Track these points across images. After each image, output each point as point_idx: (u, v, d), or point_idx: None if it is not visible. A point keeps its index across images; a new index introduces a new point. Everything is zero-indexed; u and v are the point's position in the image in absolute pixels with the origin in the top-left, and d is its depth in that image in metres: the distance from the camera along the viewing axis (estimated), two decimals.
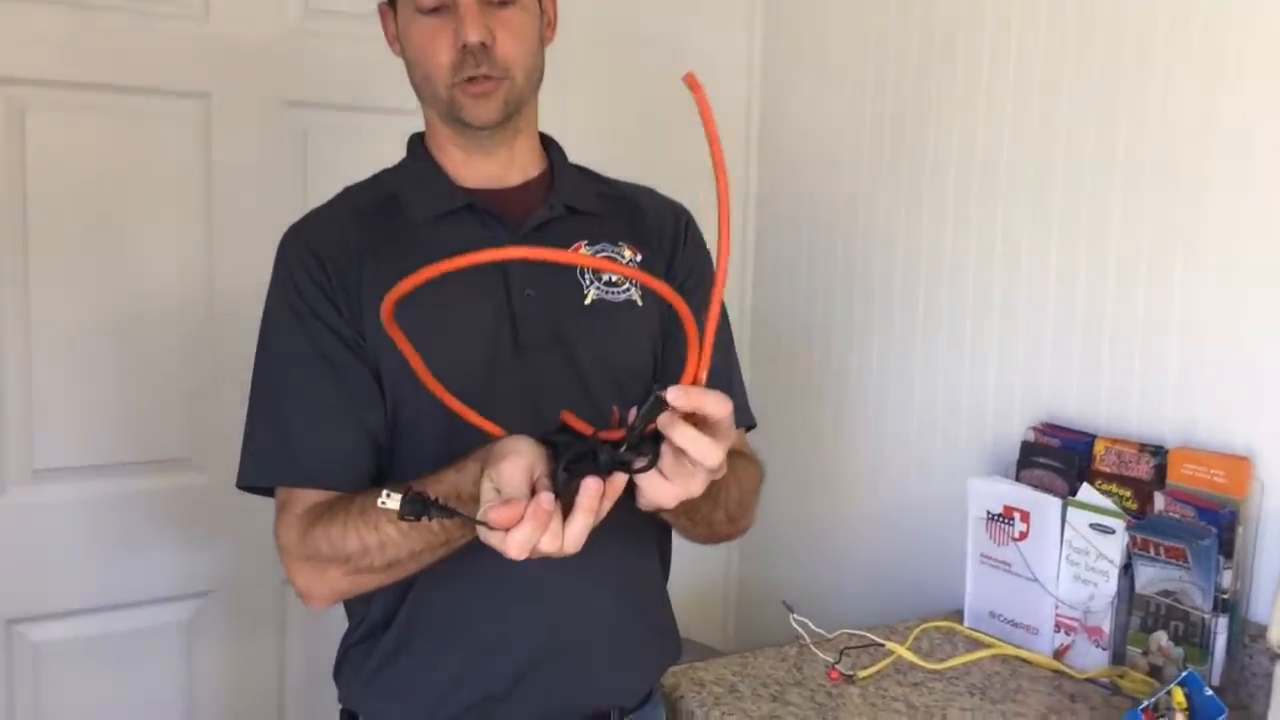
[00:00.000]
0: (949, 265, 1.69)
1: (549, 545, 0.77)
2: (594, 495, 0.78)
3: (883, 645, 1.35)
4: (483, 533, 0.78)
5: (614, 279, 1.08)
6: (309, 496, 1.00)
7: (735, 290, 2.03)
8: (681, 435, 0.78)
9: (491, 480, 0.80)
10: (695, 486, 0.81)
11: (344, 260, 1.04)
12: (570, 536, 0.78)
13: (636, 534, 1.09)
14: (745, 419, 1.18)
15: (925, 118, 1.72)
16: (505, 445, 0.82)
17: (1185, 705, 1.11)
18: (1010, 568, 1.43)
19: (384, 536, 0.91)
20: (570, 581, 1.03)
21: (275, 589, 1.72)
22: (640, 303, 1.10)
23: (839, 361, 1.88)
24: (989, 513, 1.45)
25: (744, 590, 2.08)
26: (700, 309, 1.16)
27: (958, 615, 1.52)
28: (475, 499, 0.82)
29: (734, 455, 1.06)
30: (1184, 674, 1.14)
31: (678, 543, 1.16)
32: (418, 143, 1.13)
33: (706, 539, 1.09)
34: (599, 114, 1.87)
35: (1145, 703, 1.11)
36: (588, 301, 1.07)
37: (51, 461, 1.57)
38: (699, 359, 0.80)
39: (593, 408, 1.04)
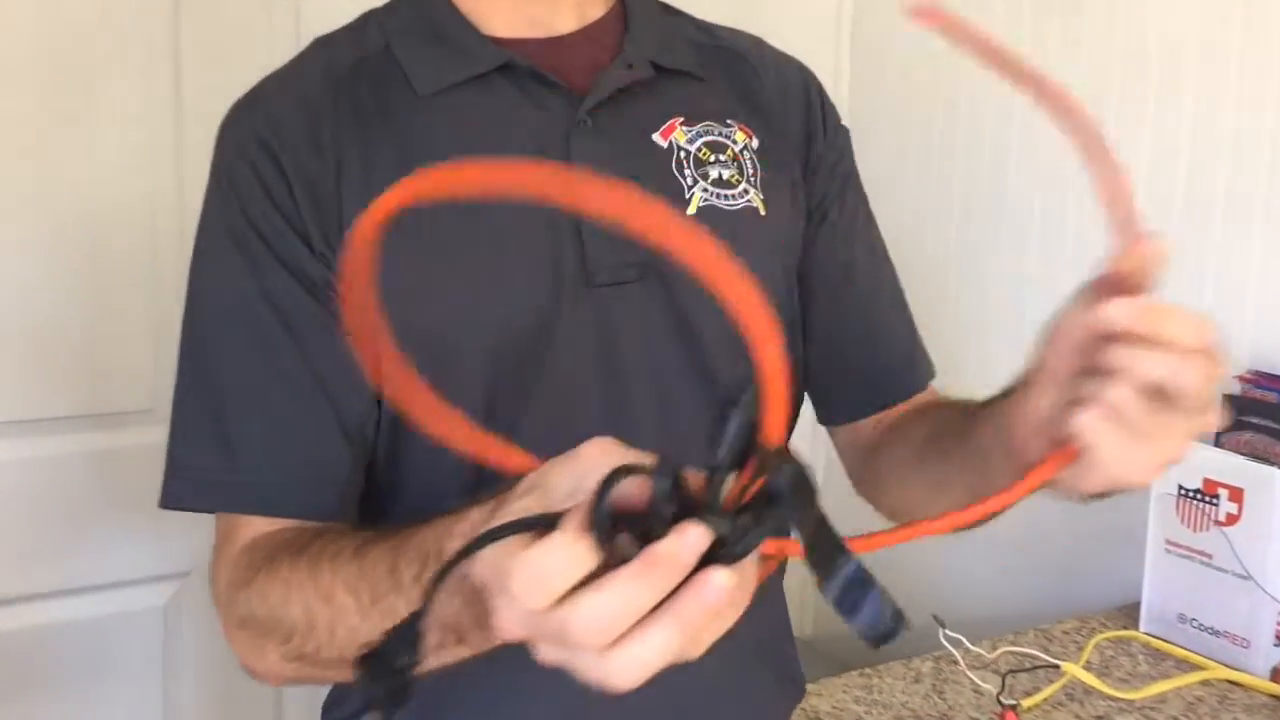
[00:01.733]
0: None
1: (658, 644, 0.40)
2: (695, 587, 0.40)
3: (1057, 667, 1.02)
4: (502, 607, 0.41)
5: (725, 174, 0.73)
6: (257, 525, 0.67)
7: None
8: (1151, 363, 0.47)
9: (533, 493, 0.45)
10: (1177, 446, 0.50)
11: (314, 158, 0.68)
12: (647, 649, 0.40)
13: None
14: (929, 365, 0.85)
15: None
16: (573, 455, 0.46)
17: None
18: (1211, 560, 1.10)
19: (336, 611, 0.58)
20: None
21: None
22: (764, 210, 0.75)
23: (955, 290, 1.54)
24: (1181, 488, 1.12)
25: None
26: (854, 221, 0.84)
27: (1125, 615, 1.20)
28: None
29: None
30: None
31: None
32: None
33: None
34: None
35: None
36: (692, 209, 0.72)
37: None
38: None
39: (700, 376, 0.71)
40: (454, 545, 0.48)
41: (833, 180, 0.80)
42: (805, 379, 0.81)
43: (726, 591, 0.39)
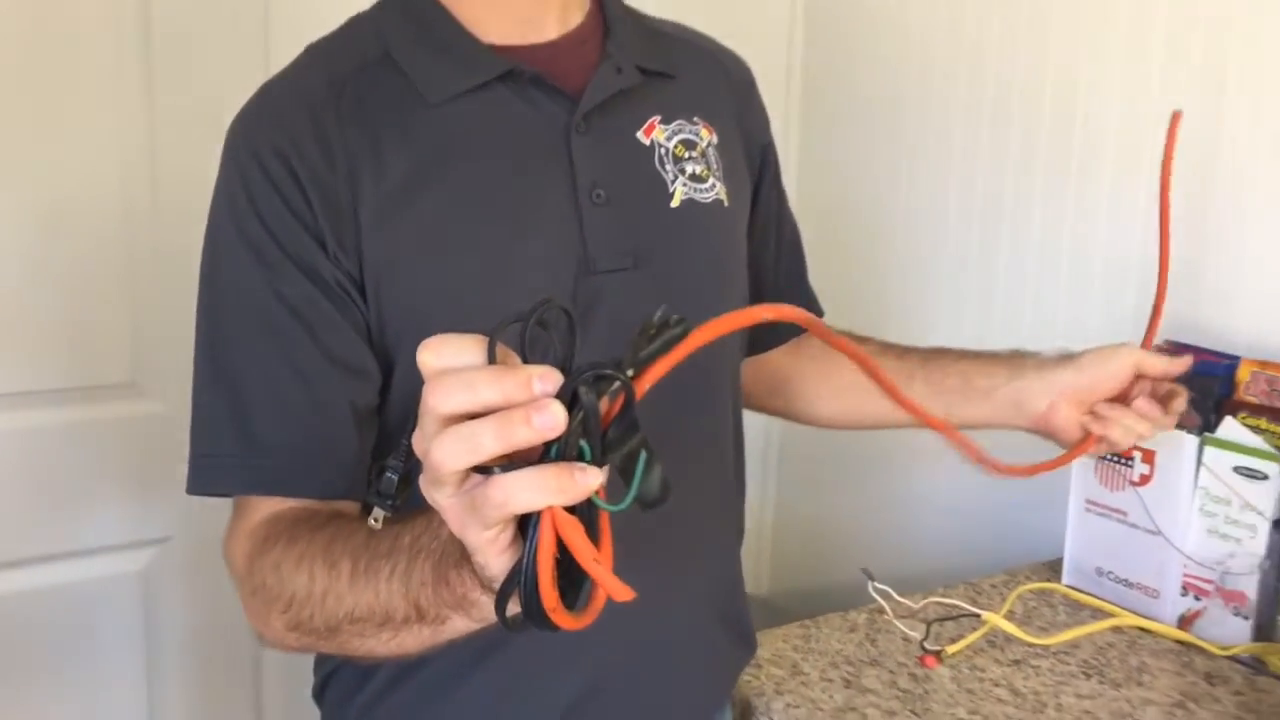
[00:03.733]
0: (1047, 138, 1.41)
1: (477, 437, 0.45)
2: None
3: (979, 616, 1.11)
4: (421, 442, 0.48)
5: (698, 170, 0.81)
6: (270, 503, 0.74)
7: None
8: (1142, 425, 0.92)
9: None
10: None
11: (326, 165, 0.73)
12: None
13: (725, 511, 0.86)
14: (819, 310, 1.06)
15: None
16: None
17: None
18: (1126, 517, 1.18)
19: (333, 579, 0.65)
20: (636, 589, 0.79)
21: None
22: (727, 201, 0.83)
23: (899, 256, 1.61)
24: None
25: (781, 523, 1.84)
26: (772, 194, 0.92)
27: (1050, 569, 1.28)
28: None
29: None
30: None
31: None
32: None
33: None
34: None
35: None
36: (676, 203, 0.80)
37: None
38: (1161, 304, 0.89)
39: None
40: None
41: (765, 164, 0.89)
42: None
43: (551, 419, 0.44)
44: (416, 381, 0.75)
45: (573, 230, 0.76)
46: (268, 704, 1.54)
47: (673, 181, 0.80)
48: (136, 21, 1.34)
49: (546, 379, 0.45)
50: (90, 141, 1.34)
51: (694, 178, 0.81)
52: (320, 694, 0.88)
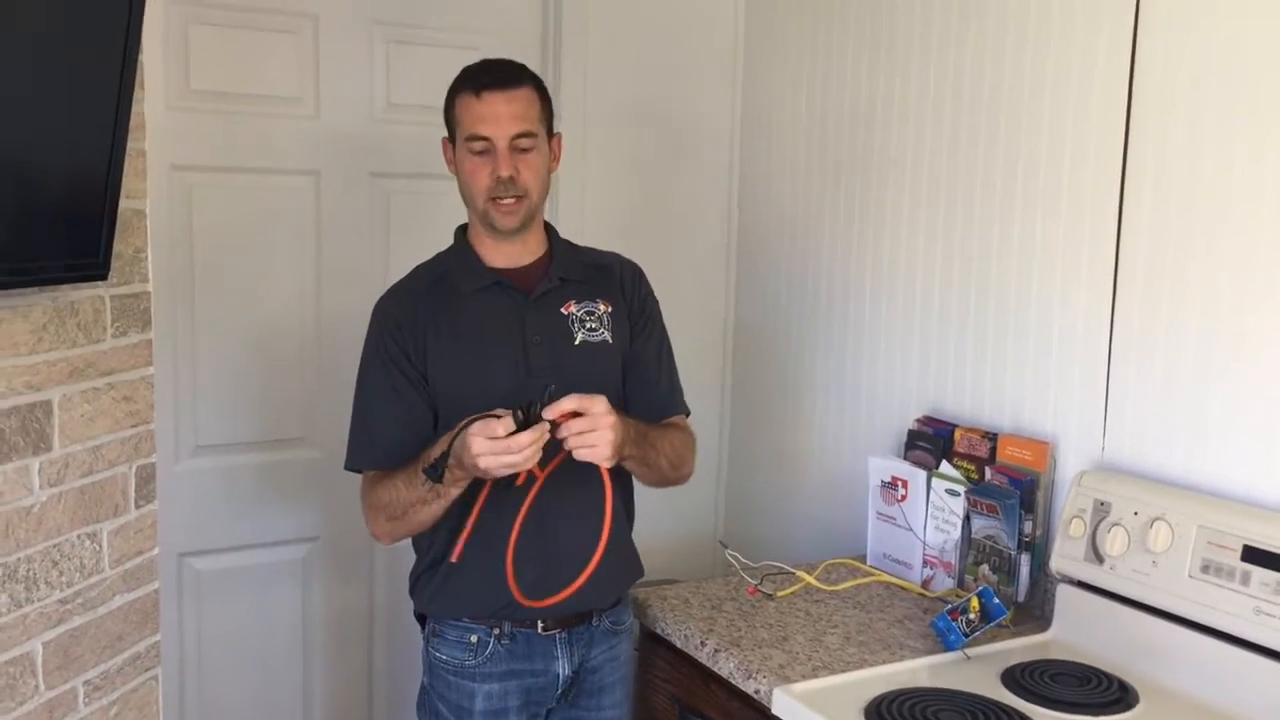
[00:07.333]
0: (869, 295, 2.21)
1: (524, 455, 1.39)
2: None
3: (793, 573, 1.90)
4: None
5: (593, 326, 1.64)
6: (376, 469, 1.60)
7: (721, 307, 2.58)
8: (565, 431, 1.42)
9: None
10: (601, 454, 1.42)
11: (414, 324, 1.61)
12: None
13: (601, 503, 1.62)
14: (681, 406, 1.75)
15: (855, 172, 2.23)
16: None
17: (978, 608, 1.65)
18: (895, 521, 1.97)
19: (396, 494, 1.53)
20: (562, 531, 1.58)
21: (366, 536, 2.26)
22: (611, 341, 1.65)
23: (795, 365, 2.42)
24: (882, 481, 1.99)
25: (728, 539, 2.62)
26: (649, 342, 1.73)
27: (863, 555, 2.06)
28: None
29: (670, 426, 1.69)
30: (981, 588, 1.68)
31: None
32: (461, 234, 1.69)
33: (660, 482, 1.66)
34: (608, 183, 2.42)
35: (950, 606, 1.66)
36: (577, 342, 1.63)
37: (210, 439, 2.17)
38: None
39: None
40: (438, 449, 1.44)
41: (641, 320, 1.70)
42: (626, 407, 1.68)
43: (537, 442, 1.38)
44: (448, 421, 1.62)
45: (522, 355, 1.59)
46: (377, 639, 2.37)
47: (576, 332, 1.62)
48: (312, 226, 2.22)
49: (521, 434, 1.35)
50: (281, 288, 2.21)
51: (589, 330, 1.63)
52: (412, 590, 1.70)
